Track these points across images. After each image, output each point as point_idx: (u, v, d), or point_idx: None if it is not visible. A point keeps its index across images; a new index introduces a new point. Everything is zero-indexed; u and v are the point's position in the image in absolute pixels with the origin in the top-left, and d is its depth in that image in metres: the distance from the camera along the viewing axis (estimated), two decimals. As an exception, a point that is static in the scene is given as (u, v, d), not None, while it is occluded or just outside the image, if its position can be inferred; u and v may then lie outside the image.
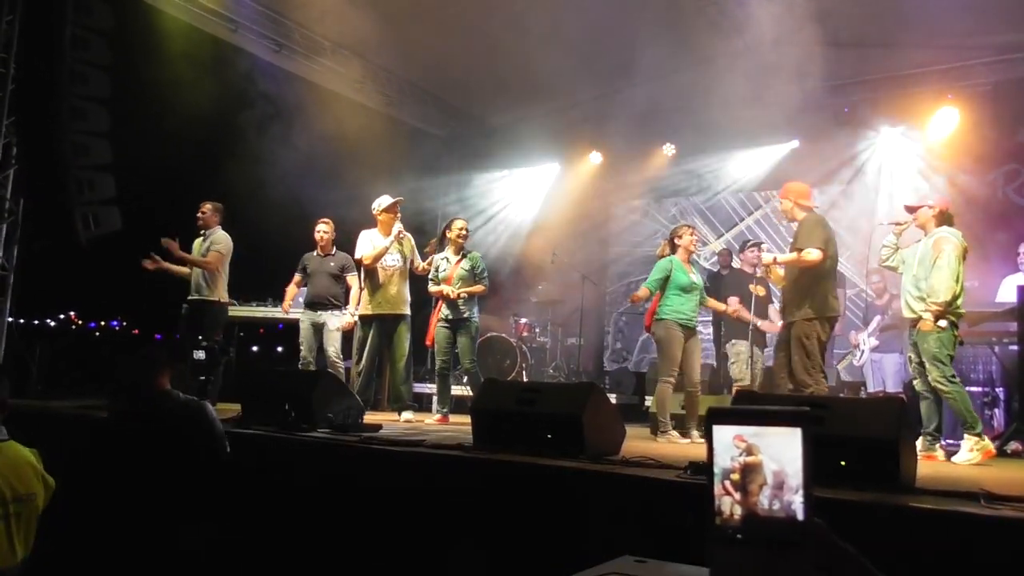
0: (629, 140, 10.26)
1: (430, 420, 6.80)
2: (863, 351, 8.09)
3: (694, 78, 7.76)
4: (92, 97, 6.93)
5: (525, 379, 9.60)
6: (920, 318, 5.19)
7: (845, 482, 2.95)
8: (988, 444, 4.93)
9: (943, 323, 5.09)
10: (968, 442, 4.89)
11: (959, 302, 5.15)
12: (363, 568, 3.71)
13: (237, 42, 8.60)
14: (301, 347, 7.15)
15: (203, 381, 6.23)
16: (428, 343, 7.09)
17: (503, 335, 9.70)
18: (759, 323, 7.16)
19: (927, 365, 5.14)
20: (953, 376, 5.08)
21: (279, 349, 7.46)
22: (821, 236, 5.55)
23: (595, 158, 11.14)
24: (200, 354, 6.37)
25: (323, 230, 7.28)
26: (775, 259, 5.91)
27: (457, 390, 7.96)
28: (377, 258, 6.76)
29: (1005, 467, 4.76)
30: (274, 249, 7.45)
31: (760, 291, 7.07)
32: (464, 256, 6.90)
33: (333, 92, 9.51)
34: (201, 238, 7.08)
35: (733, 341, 7.53)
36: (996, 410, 6.33)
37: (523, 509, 3.41)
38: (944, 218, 5.44)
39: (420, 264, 6.98)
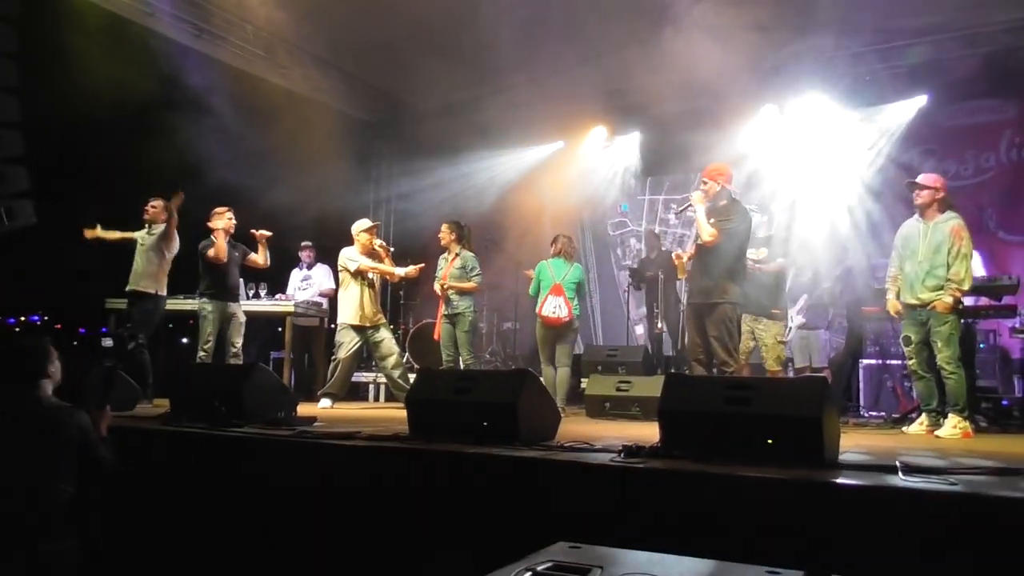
0: (566, 124, 10.28)
1: None
2: (790, 328, 8.27)
3: (633, 58, 7.77)
4: (1, 86, 6.60)
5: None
6: (930, 302, 5.37)
7: (771, 461, 3.04)
8: (968, 425, 5.18)
9: (959, 307, 5.34)
10: (953, 419, 5.16)
11: None
12: (299, 564, 3.67)
13: (154, 26, 8.29)
14: (210, 339, 7.03)
15: (109, 368, 6.01)
16: (436, 338, 7.67)
17: (438, 321, 9.64)
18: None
19: (939, 344, 5.31)
20: (960, 358, 5.30)
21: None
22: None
23: (537, 143, 11.13)
24: (108, 341, 6.20)
25: (232, 218, 7.21)
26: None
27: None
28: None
29: (969, 442, 4.97)
30: (197, 239, 7.24)
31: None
32: (457, 256, 7.41)
33: (257, 77, 9.27)
34: (145, 230, 6.95)
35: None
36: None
37: (460, 498, 3.42)
38: (947, 202, 5.55)
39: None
